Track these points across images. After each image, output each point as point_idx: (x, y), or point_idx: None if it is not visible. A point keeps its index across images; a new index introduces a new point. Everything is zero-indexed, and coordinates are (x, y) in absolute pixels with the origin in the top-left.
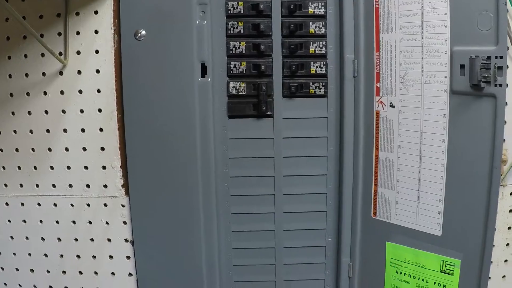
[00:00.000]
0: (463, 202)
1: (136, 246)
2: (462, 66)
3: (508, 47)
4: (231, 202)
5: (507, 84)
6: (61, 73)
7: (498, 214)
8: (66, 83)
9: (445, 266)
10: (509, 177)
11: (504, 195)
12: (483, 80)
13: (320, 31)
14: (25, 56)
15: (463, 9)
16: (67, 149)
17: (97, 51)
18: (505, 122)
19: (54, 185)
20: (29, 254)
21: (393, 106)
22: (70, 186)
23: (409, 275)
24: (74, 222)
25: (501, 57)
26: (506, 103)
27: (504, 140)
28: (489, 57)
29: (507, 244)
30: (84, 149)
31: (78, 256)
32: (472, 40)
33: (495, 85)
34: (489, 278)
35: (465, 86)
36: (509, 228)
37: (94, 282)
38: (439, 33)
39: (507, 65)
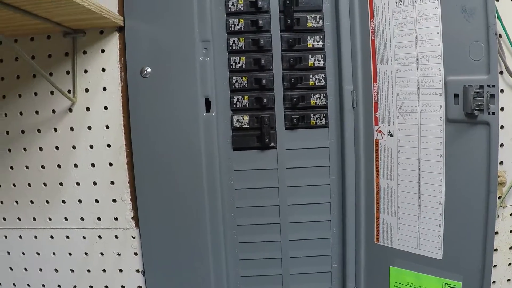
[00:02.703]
0: (462, 226)
1: (147, 276)
2: (456, 95)
3: (502, 72)
4: (238, 231)
5: (502, 108)
6: (70, 110)
7: (499, 235)
8: (75, 120)
9: None
10: (509, 198)
11: (504, 216)
12: (476, 108)
13: (319, 63)
14: (35, 94)
15: (455, 40)
16: (78, 184)
17: (104, 89)
18: (502, 144)
19: (66, 218)
20: (43, 286)
21: (391, 135)
22: (82, 219)
23: None
24: (86, 253)
25: (493, 86)
26: (503, 126)
27: (501, 162)
28: (481, 86)
29: (509, 264)
30: (95, 183)
31: (91, 287)
32: (465, 70)
33: (489, 113)
34: None
35: (460, 114)
36: (510, 248)
37: None
38: (433, 63)
39: (501, 89)
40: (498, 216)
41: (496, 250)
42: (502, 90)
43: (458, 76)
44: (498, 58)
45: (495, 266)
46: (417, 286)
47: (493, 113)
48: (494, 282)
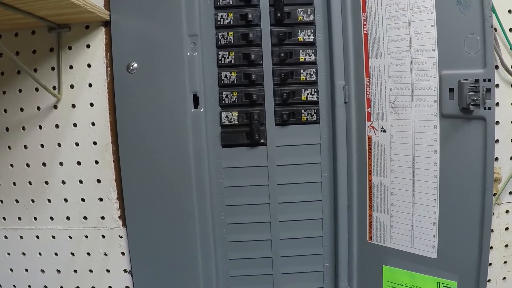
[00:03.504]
0: (457, 224)
1: (135, 276)
2: (451, 90)
3: (497, 66)
4: (227, 230)
5: (497, 103)
6: (55, 107)
7: (494, 232)
8: (60, 117)
9: None
10: (504, 195)
11: (499, 213)
12: (472, 103)
13: (310, 58)
14: (20, 90)
15: (450, 33)
16: (63, 182)
17: (90, 85)
18: (498, 140)
19: (52, 218)
20: (29, 286)
21: (384, 131)
22: (68, 218)
23: None
24: (72, 254)
25: (489, 80)
26: (498, 122)
27: (497, 158)
28: (477, 80)
29: (505, 262)
30: (81, 181)
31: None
32: (460, 64)
33: (484, 108)
34: None
35: (455, 109)
36: (506, 246)
37: None
38: (427, 57)
39: (496, 84)
40: (493, 214)
41: (491, 248)
42: (497, 85)
43: (453, 70)
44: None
45: (490, 264)
46: (411, 285)
47: (489, 108)
48: (489, 280)
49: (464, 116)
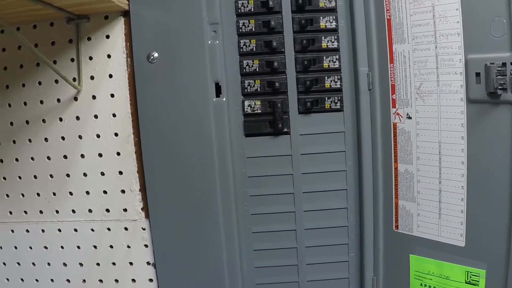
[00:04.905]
0: (486, 212)
1: (158, 268)
2: (478, 74)
3: None
4: (252, 221)
5: None
6: (75, 98)
7: None
8: (81, 109)
9: (470, 277)
10: None
11: None
12: (499, 87)
13: (332, 45)
14: (39, 83)
15: (475, 16)
16: (85, 174)
17: (110, 76)
18: None
19: (73, 211)
20: (52, 280)
21: (410, 118)
22: (90, 211)
23: (434, 287)
24: (95, 246)
25: None
26: None
27: None
28: (504, 64)
29: None
30: (102, 173)
31: (101, 281)
32: (486, 47)
33: None
34: None
35: (482, 94)
36: None
37: None
38: (453, 41)
39: None
40: None
41: None
42: None
43: (479, 54)
44: None
45: None
46: (438, 275)
47: None
48: None
49: (491, 101)
